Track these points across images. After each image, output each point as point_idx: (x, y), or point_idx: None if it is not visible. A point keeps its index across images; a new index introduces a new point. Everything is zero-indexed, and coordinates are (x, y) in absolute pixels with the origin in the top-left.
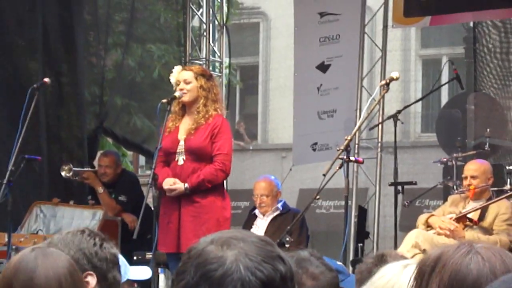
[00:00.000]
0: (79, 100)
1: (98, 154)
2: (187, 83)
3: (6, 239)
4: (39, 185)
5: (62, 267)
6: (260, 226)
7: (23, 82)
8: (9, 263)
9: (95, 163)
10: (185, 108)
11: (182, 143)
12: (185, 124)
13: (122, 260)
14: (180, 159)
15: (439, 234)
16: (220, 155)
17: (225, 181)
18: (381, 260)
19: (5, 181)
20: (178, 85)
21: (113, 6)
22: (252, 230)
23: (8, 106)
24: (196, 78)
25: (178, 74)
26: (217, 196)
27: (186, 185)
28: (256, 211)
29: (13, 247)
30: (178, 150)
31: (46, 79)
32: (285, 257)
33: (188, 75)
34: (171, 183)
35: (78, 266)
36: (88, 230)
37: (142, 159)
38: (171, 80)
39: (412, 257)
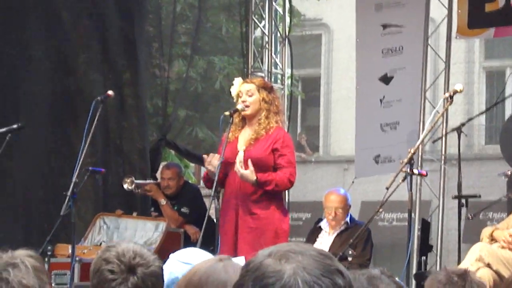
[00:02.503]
0: (141, 111)
1: (161, 166)
2: (249, 95)
3: (70, 251)
4: (102, 197)
5: None
6: (325, 239)
7: (85, 94)
8: (196, 272)
9: (158, 175)
10: (245, 119)
11: (241, 153)
12: (245, 135)
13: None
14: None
15: (503, 247)
16: (290, 168)
17: (285, 193)
18: (464, 276)
19: (69, 193)
20: (240, 97)
21: (176, 18)
22: (316, 243)
23: (71, 118)
24: (258, 91)
25: (239, 86)
26: (276, 208)
27: (255, 177)
28: (322, 224)
29: (77, 258)
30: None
31: (110, 92)
32: (345, 271)
33: (251, 87)
34: (241, 159)
35: None
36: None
37: (204, 171)
38: (232, 93)
39: (476, 270)
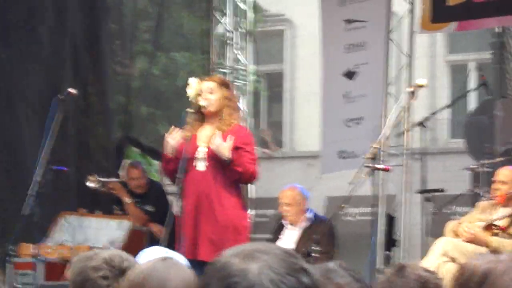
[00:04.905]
0: (105, 109)
1: (123, 164)
2: (210, 92)
3: (32, 250)
4: (65, 195)
5: (190, 279)
6: (289, 237)
7: (54, 92)
8: (138, 269)
9: (120, 173)
10: (202, 118)
11: (201, 149)
12: (205, 132)
13: None
14: (200, 165)
15: (467, 241)
16: (253, 165)
17: (248, 190)
18: (401, 271)
19: (30, 192)
20: (199, 95)
21: (138, 14)
22: (281, 240)
23: (40, 114)
24: (219, 88)
25: (197, 86)
26: (236, 205)
27: (228, 153)
28: (284, 221)
29: (41, 258)
30: (196, 156)
31: (71, 90)
32: (310, 269)
33: (212, 85)
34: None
35: None
36: None
37: None
38: (189, 93)
39: (442, 264)
